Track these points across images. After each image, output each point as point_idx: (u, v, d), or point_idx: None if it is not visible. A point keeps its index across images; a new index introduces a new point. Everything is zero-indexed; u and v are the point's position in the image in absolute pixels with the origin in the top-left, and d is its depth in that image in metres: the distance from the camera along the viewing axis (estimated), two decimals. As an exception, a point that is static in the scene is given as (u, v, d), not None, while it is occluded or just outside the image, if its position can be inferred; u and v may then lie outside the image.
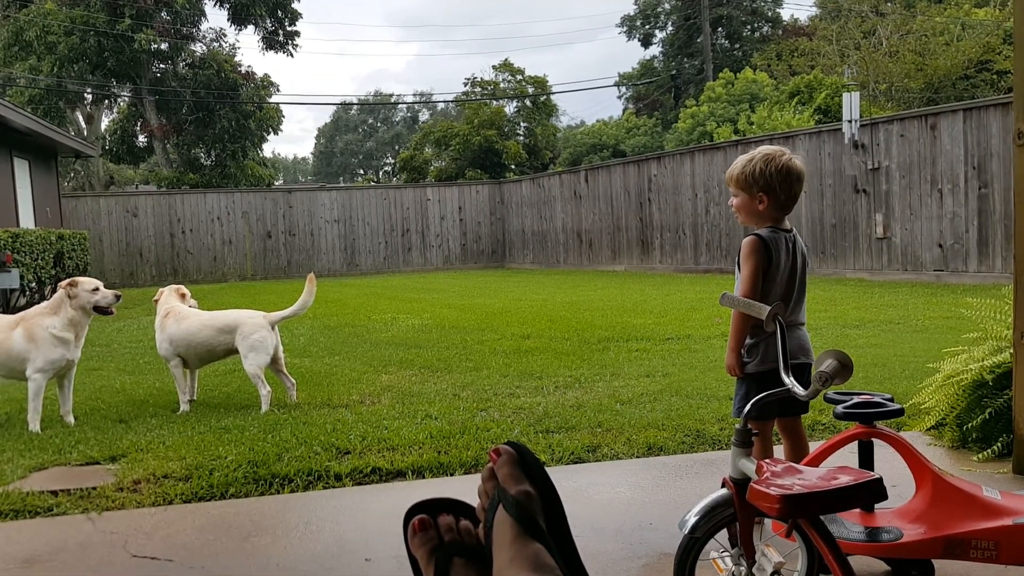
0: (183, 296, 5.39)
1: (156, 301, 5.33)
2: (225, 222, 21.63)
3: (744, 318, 2.63)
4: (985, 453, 3.47)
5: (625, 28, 41.61)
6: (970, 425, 3.56)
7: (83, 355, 5.01)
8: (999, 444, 3.46)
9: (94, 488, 3.53)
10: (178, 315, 5.15)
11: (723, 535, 2.11)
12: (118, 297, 4.84)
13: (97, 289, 4.78)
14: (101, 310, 4.79)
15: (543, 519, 0.97)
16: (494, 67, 34.56)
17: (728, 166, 2.84)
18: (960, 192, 11.20)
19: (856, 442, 2.43)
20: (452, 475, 3.64)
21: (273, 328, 5.13)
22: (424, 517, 1.01)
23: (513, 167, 30.80)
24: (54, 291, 4.83)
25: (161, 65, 29.07)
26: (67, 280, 4.79)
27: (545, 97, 34.08)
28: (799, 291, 2.75)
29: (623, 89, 42.59)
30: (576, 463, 3.76)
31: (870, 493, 1.71)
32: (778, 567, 1.94)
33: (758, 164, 2.67)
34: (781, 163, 2.66)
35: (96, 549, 2.95)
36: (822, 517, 1.82)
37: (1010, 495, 2.23)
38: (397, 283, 17.50)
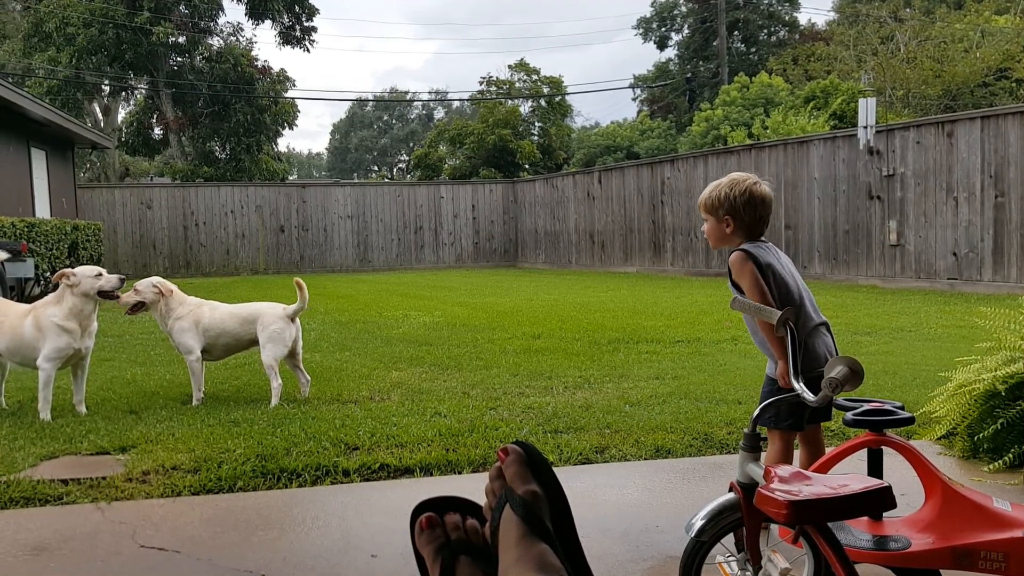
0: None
1: (164, 294, 5.19)
2: (238, 216, 21.71)
3: (770, 326, 2.62)
4: (996, 464, 3.45)
5: (641, 30, 41.53)
6: (981, 435, 3.54)
7: (95, 345, 5.03)
8: (1011, 455, 3.43)
9: (104, 478, 3.55)
10: (212, 306, 5.21)
11: (729, 539, 2.10)
12: (123, 280, 4.80)
13: (100, 275, 4.75)
14: (106, 295, 4.75)
15: (550, 519, 0.97)
16: (510, 67, 34.59)
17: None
18: (976, 201, 11.13)
19: (865, 450, 2.42)
20: (460, 473, 3.65)
21: (293, 320, 5.15)
22: (431, 515, 1.01)
23: (527, 167, 30.79)
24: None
25: (178, 58, 29.22)
26: (59, 272, 4.77)
27: (560, 97, 34.06)
28: (804, 292, 2.75)
29: (638, 91, 42.53)
30: (584, 464, 3.76)
31: (879, 501, 1.70)
32: (784, 573, 1.93)
33: (723, 188, 2.77)
34: (744, 187, 2.75)
35: (104, 539, 2.96)
36: (830, 524, 1.82)
37: (1021, 507, 2.21)
38: (409, 280, 17.53)
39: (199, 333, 5.08)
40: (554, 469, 1.00)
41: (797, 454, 2.85)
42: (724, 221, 2.77)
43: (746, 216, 2.74)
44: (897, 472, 2.57)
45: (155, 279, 5.23)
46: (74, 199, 18.83)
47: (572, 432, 4.19)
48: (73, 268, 4.79)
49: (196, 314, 5.11)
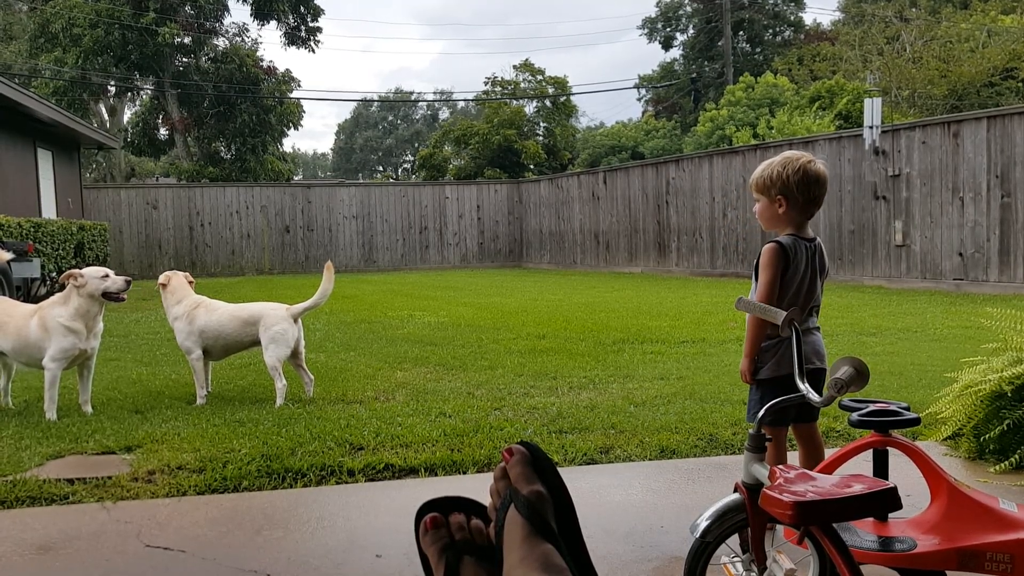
0: (191, 283, 5.38)
1: (164, 286, 5.25)
2: (244, 216, 21.75)
3: (760, 325, 2.62)
4: (1002, 465, 3.44)
5: (646, 30, 41.54)
6: (987, 436, 3.53)
7: (101, 345, 5.05)
8: (1017, 456, 3.42)
9: (109, 477, 3.56)
10: (209, 307, 5.16)
11: (734, 540, 2.10)
12: (128, 282, 4.82)
13: (107, 276, 4.76)
14: (111, 296, 4.77)
15: (554, 520, 0.97)
16: (515, 67, 34.60)
17: (746, 170, 2.86)
18: (982, 201, 11.10)
19: (871, 450, 2.41)
20: (465, 473, 3.65)
21: (296, 321, 5.14)
22: (436, 515, 1.02)
23: (532, 167, 30.80)
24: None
25: (184, 59, 29.29)
26: (66, 273, 4.79)
27: (565, 98, 34.06)
28: (816, 299, 2.74)
29: (643, 91, 42.54)
30: (589, 464, 3.76)
31: (884, 502, 1.70)
32: (789, 574, 1.93)
33: (776, 167, 2.68)
34: (799, 165, 2.66)
35: (110, 538, 2.97)
36: (835, 525, 1.81)
37: (1026, 508, 2.20)
38: (414, 280, 17.54)
39: (195, 334, 5.08)
40: (558, 469, 1.00)
41: (796, 456, 2.84)
42: (777, 201, 2.68)
43: (800, 196, 2.65)
44: (903, 473, 2.56)
45: (169, 272, 5.27)
46: (80, 199, 18.89)
47: (577, 432, 4.19)
48: (80, 268, 4.80)
49: (191, 315, 5.11)
